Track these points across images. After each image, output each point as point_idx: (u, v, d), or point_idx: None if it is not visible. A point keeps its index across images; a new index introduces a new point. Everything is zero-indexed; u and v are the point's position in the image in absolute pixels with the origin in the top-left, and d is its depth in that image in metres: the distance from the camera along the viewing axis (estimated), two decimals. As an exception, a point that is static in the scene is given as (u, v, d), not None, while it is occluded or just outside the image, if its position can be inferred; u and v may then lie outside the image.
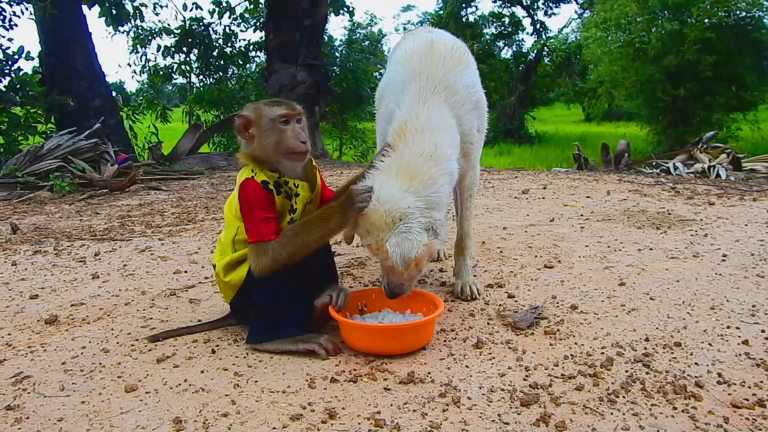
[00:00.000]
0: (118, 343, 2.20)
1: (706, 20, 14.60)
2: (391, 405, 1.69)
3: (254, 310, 2.09)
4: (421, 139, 2.11)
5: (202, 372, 1.93)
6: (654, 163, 7.90)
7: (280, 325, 2.06)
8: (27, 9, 8.42)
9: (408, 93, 2.24)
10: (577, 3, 24.02)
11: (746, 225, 3.63)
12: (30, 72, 8.67)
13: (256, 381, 1.86)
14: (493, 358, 1.98)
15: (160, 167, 7.92)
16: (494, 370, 1.89)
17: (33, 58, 8.60)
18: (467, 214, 2.65)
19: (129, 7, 10.60)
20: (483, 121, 2.55)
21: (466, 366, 1.93)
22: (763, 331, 2.12)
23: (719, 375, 1.82)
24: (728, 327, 2.17)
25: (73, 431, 1.61)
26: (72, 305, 2.63)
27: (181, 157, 8.50)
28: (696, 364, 1.90)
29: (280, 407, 1.70)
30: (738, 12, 15.28)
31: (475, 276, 2.69)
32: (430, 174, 2.07)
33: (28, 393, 1.82)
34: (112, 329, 2.33)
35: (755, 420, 1.58)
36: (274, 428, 1.59)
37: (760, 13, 15.39)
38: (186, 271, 3.09)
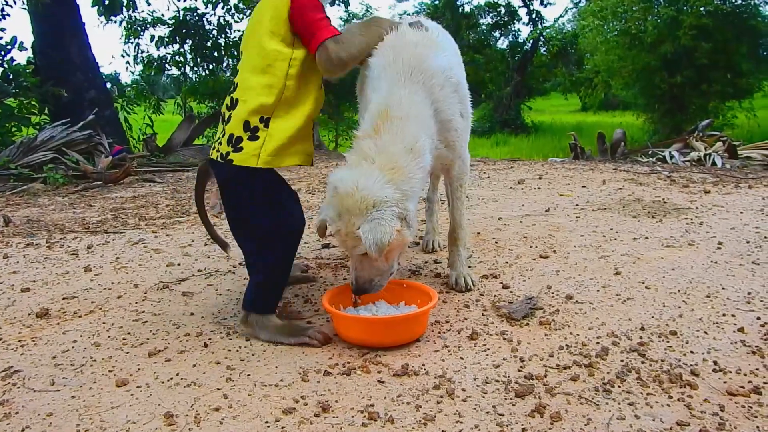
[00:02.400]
0: (109, 336, 2.18)
1: (702, 8, 14.56)
2: (385, 398, 1.68)
3: (264, 272, 2.10)
4: (403, 130, 2.07)
5: (194, 366, 1.92)
6: (650, 152, 7.87)
7: (276, 296, 2.13)
8: (20, -1, 8.35)
9: (385, 79, 2.19)
10: (573, -8, 23.90)
11: (741, 213, 3.62)
12: (23, 63, 8.61)
13: (249, 375, 1.84)
14: (488, 349, 1.97)
15: (155, 159, 7.86)
16: (489, 362, 1.88)
17: (26, 49, 8.52)
18: (458, 204, 2.60)
19: (122, -2, 10.52)
20: (466, 105, 2.47)
21: (461, 357, 1.91)
22: (758, 318, 2.11)
23: (715, 363, 1.82)
24: (724, 315, 2.16)
25: (62, 426, 1.59)
26: (64, 298, 2.60)
27: (175, 148, 8.44)
28: (691, 352, 1.90)
29: (272, 401, 1.68)
30: (734, 0, 15.24)
31: (470, 267, 2.67)
32: (410, 168, 2.04)
33: (18, 387, 1.81)
34: (104, 323, 2.31)
35: (751, 407, 1.58)
36: (266, 422, 1.58)
37: (756, 1, 15.36)
38: (179, 264, 3.06)
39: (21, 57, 8.19)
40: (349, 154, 2.14)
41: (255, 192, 2.06)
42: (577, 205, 4.04)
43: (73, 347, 2.09)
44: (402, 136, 2.06)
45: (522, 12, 24.65)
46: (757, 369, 1.78)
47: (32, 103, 8.31)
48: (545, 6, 24.88)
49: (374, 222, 1.94)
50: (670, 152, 7.38)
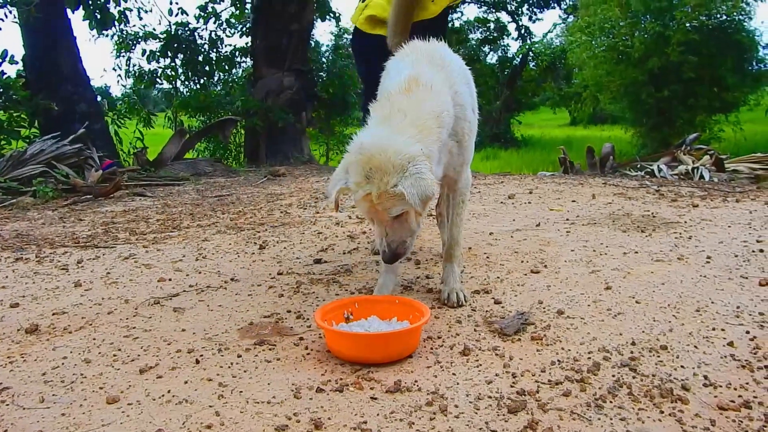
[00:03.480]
0: (100, 353, 2.16)
1: (688, 24, 14.80)
2: (378, 414, 1.68)
3: None
4: (433, 96, 2.12)
5: (186, 383, 1.90)
6: (639, 166, 7.95)
7: None
8: (11, 12, 8.32)
9: (408, 63, 2.29)
10: (561, 8, 24.21)
11: (729, 226, 3.65)
12: (14, 76, 8.58)
13: (241, 392, 1.83)
14: (480, 365, 1.97)
15: (145, 173, 7.85)
16: (481, 378, 1.88)
17: (17, 62, 8.50)
18: (458, 220, 2.60)
19: (114, 11, 10.51)
20: (474, 101, 2.54)
21: (453, 374, 1.92)
22: (747, 332, 2.13)
23: (705, 377, 1.83)
24: (713, 329, 2.17)
25: (53, 445, 1.58)
26: (53, 314, 2.58)
27: (166, 162, 8.44)
28: (682, 367, 1.91)
29: (265, 418, 1.68)
30: (719, 15, 15.50)
31: (462, 282, 2.68)
32: (434, 133, 2.08)
33: (7, 405, 1.79)
34: (94, 339, 2.29)
35: (741, 422, 1.59)
36: (258, 439, 1.57)
37: (740, 17, 15.62)
38: (170, 279, 3.05)
39: (11, 70, 8.18)
40: (377, 107, 2.14)
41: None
42: (567, 219, 4.07)
43: (63, 364, 2.08)
44: (432, 101, 2.10)
45: (511, 27, 24.94)
46: (747, 383, 1.79)
47: (22, 116, 8.28)
48: (534, 22, 25.17)
49: (415, 176, 1.93)
50: (658, 166, 7.46)
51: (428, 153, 2.03)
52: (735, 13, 15.42)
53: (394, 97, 2.13)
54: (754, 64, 16.64)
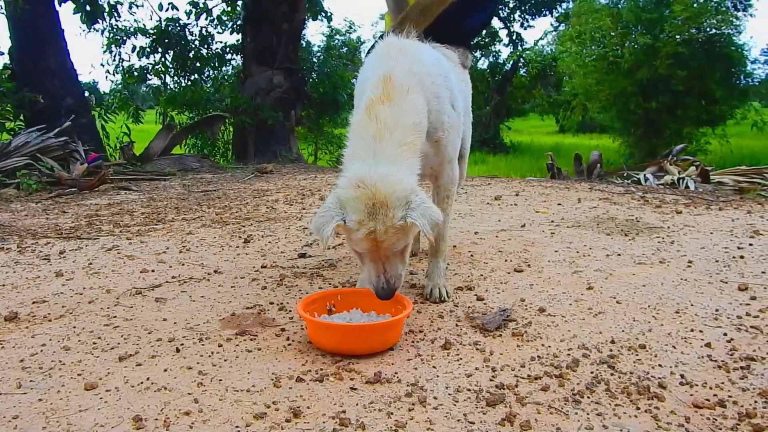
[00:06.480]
0: (79, 341, 2.15)
1: (678, 36, 14.97)
2: (357, 404, 1.68)
3: None
4: (410, 101, 2.11)
5: (165, 370, 1.90)
6: (626, 174, 8.02)
7: None
8: (-2, 4, 8.26)
9: (379, 62, 2.28)
10: (553, 16, 24.38)
11: (712, 233, 3.69)
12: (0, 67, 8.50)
13: (221, 380, 1.83)
14: (461, 359, 1.98)
15: (132, 167, 7.80)
16: (461, 371, 1.89)
17: (2, 54, 8.44)
18: (444, 217, 2.51)
19: (104, 4, 10.45)
20: (457, 96, 2.45)
21: (434, 366, 1.92)
22: (725, 334, 2.16)
23: (682, 376, 1.85)
24: (692, 330, 2.20)
25: (29, 429, 1.56)
26: (33, 303, 2.56)
27: (153, 157, 8.39)
28: (660, 365, 1.93)
29: (243, 406, 1.67)
30: (708, 29, 15.69)
31: (447, 279, 2.68)
32: (414, 146, 2.08)
33: (-17, 390, 1.77)
34: (74, 327, 2.28)
35: (716, 420, 1.60)
36: (236, 427, 1.57)
37: (729, 31, 15.83)
38: (153, 271, 3.03)
39: (-3, 62, 8.13)
40: (363, 122, 2.10)
41: None
42: (552, 221, 4.09)
43: (41, 351, 2.06)
44: (411, 108, 2.09)
45: (503, 34, 25.06)
46: (722, 383, 1.81)
47: (7, 108, 8.19)
48: (525, 29, 25.30)
49: (422, 207, 1.93)
50: (644, 175, 7.53)
51: (414, 170, 2.05)
52: (724, 27, 15.62)
53: (377, 109, 2.09)
54: (742, 78, 16.85)
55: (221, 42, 12.82)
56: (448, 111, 2.37)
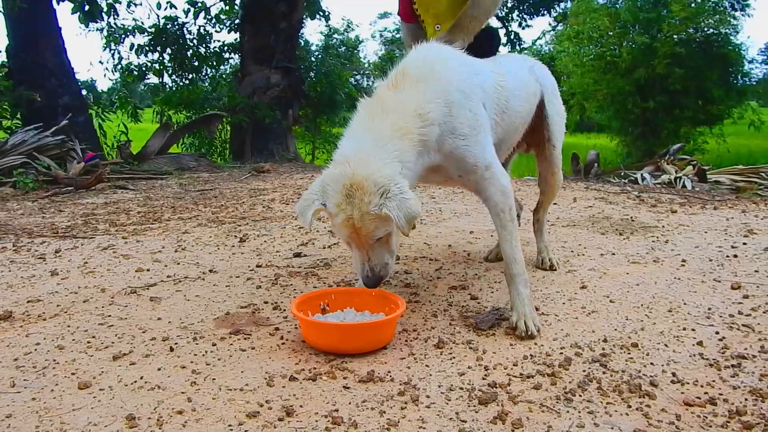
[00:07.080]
0: (73, 340, 2.15)
1: (675, 36, 14.99)
2: (350, 403, 1.68)
3: None
4: (417, 92, 2.07)
5: (159, 370, 1.90)
6: (623, 174, 8.03)
7: None
8: (-4, 2, 8.24)
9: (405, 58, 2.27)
10: (551, 16, 24.37)
11: (706, 232, 3.71)
12: (-4, 66, 8.50)
13: (214, 379, 1.84)
14: (454, 357, 1.99)
15: (129, 166, 7.79)
16: (454, 370, 1.89)
17: (0, 52, 8.43)
18: (504, 234, 2.26)
19: (103, 3, 10.43)
20: (491, 96, 2.31)
21: (427, 365, 1.93)
22: (717, 332, 2.17)
23: (673, 375, 1.86)
24: (684, 329, 2.21)
25: (21, 428, 1.57)
26: (28, 301, 2.56)
27: (150, 156, 8.38)
28: (651, 364, 1.94)
29: (237, 405, 1.68)
30: (706, 29, 15.72)
31: (536, 309, 2.31)
32: (415, 134, 2.01)
33: (-24, 389, 1.77)
34: (69, 326, 2.28)
35: (706, 417, 1.61)
36: (229, 425, 1.57)
37: (727, 30, 15.85)
38: (148, 270, 3.04)
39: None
40: (366, 103, 2.10)
41: None
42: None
43: (35, 350, 2.06)
44: (418, 97, 2.06)
45: (501, 33, 25.04)
46: (713, 381, 1.82)
47: (4, 106, 8.18)
48: (523, 28, 25.26)
49: (399, 198, 1.85)
50: (641, 174, 7.53)
51: (404, 164, 1.98)
52: (722, 27, 15.65)
53: (381, 93, 2.11)
54: (740, 77, 16.88)
55: (219, 41, 12.80)
56: (476, 108, 2.20)
